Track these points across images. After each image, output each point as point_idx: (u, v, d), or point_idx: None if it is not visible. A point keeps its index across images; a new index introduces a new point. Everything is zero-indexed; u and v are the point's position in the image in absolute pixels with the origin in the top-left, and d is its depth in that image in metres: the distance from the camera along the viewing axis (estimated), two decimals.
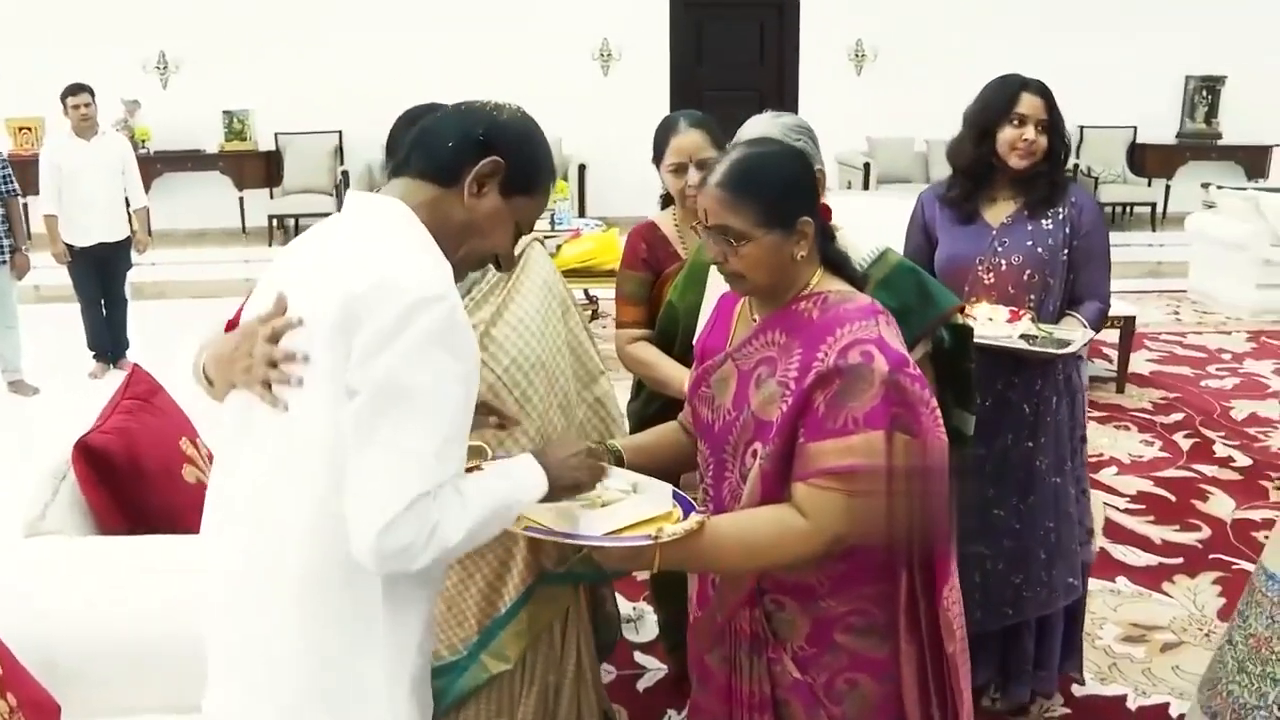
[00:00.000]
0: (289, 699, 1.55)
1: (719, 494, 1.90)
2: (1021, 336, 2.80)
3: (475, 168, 1.58)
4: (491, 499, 1.54)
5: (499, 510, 1.56)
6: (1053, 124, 2.85)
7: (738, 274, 1.81)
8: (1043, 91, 2.86)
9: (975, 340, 2.58)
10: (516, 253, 2.29)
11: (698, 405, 1.96)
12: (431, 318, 1.43)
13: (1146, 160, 11.37)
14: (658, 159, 2.79)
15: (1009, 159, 2.86)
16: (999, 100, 2.86)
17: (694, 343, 2.18)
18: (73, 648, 2.18)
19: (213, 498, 1.66)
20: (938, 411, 1.78)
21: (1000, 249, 2.91)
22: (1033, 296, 2.90)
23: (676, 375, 2.61)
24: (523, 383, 2.21)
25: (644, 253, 2.86)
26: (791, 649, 1.87)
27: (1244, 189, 8.78)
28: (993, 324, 2.81)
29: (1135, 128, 11.23)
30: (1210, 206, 8.80)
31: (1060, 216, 2.90)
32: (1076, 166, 10.97)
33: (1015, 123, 2.83)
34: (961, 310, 2.41)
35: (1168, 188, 11.34)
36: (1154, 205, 11.30)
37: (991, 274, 2.92)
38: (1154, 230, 11.02)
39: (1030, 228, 2.90)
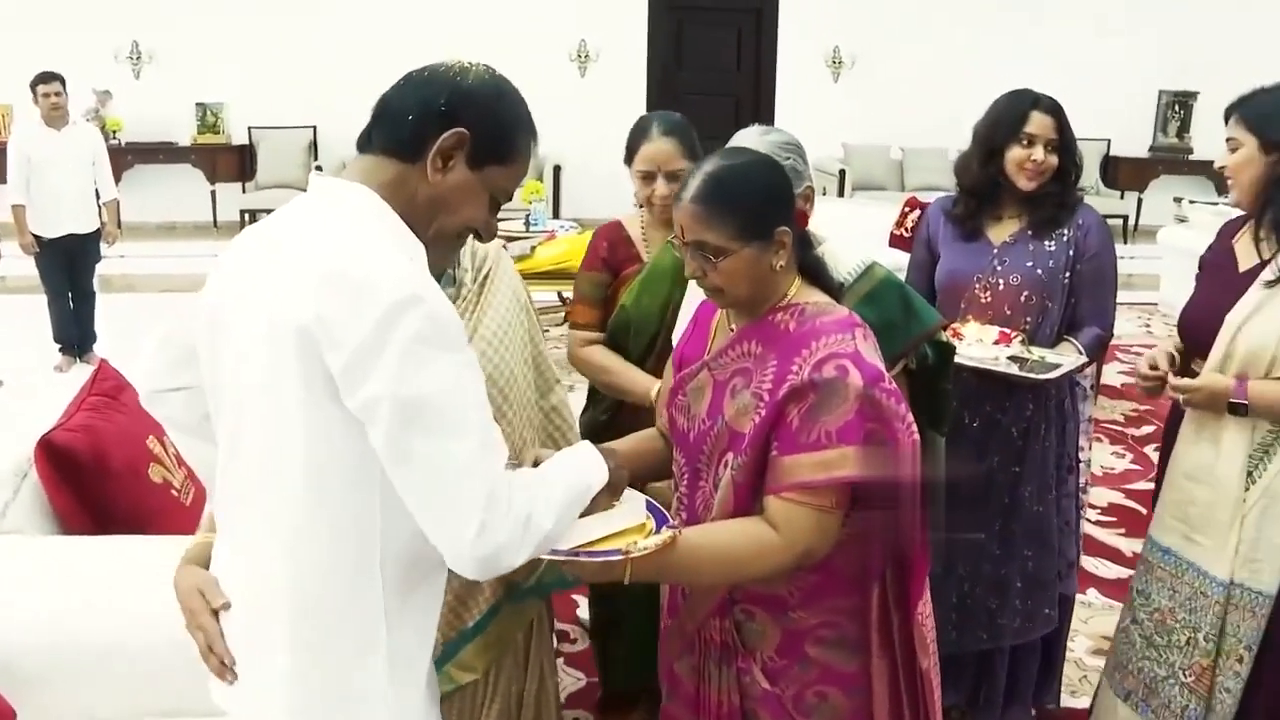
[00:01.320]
0: (291, 700, 1.53)
1: (692, 503, 1.89)
2: (1011, 358, 2.71)
3: (437, 142, 1.47)
4: (570, 483, 1.55)
5: (580, 493, 1.57)
6: (1063, 143, 2.76)
7: (717, 288, 1.80)
8: (1053, 110, 2.76)
9: (961, 361, 2.56)
10: (482, 270, 2.26)
11: (674, 414, 1.94)
12: (410, 321, 1.35)
13: (1119, 173, 11.47)
14: (629, 160, 2.71)
15: (1017, 180, 2.77)
16: (1008, 119, 2.77)
17: (673, 348, 2.16)
18: (32, 653, 2.13)
19: (215, 504, 1.65)
20: (913, 425, 1.77)
21: (999, 268, 2.82)
22: (1029, 318, 2.81)
23: (640, 382, 2.57)
24: (498, 399, 2.17)
25: (604, 252, 2.79)
26: (761, 659, 1.86)
27: (1215, 204, 8.85)
28: (980, 345, 2.73)
29: (1109, 140, 11.31)
30: (1182, 221, 8.86)
31: (1065, 238, 2.81)
32: None
33: (1024, 143, 2.74)
34: (946, 328, 2.38)
35: (1140, 201, 11.44)
36: (1126, 218, 11.38)
37: (989, 293, 2.83)
38: (1126, 243, 11.06)
39: (1031, 248, 2.81)
